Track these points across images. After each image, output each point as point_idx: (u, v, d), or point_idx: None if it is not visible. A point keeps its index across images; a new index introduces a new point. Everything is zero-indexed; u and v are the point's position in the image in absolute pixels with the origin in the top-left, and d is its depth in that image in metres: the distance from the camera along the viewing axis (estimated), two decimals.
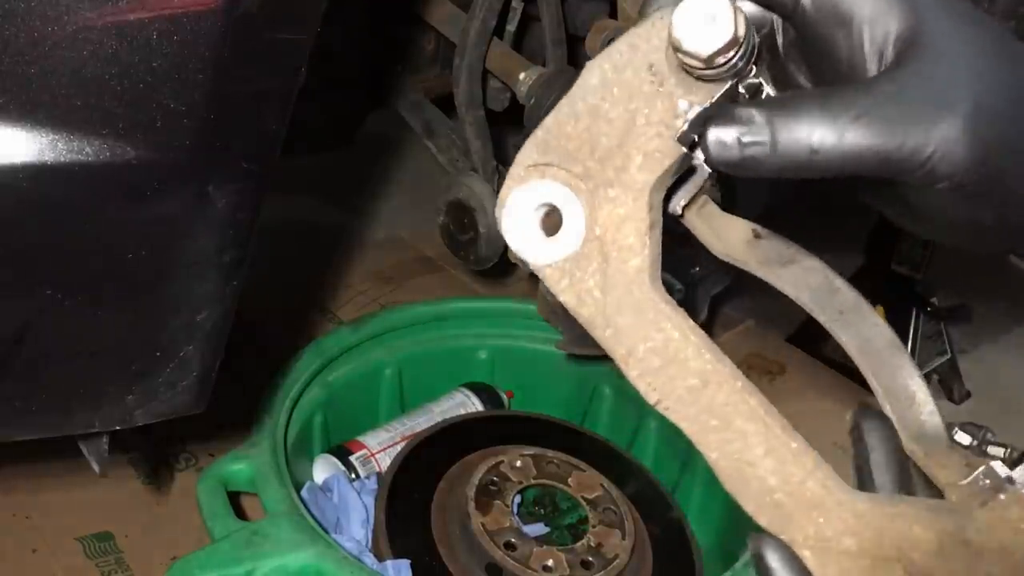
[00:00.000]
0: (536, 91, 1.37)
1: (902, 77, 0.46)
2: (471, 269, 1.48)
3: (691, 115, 0.49)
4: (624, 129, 0.49)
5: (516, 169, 0.51)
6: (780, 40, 0.53)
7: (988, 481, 0.51)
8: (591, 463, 1.19)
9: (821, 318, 0.58)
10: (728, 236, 0.60)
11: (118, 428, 0.82)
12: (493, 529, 1.06)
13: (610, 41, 1.14)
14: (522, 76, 1.38)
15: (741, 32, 0.46)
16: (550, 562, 1.04)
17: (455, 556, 1.06)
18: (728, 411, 0.49)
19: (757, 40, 0.48)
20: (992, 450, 1.62)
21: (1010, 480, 0.50)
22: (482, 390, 1.34)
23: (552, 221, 0.51)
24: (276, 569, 0.95)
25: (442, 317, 1.38)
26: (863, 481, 0.53)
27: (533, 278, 1.21)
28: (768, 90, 0.53)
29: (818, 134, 0.45)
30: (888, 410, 0.55)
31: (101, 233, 0.70)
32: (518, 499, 1.14)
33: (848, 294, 0.58)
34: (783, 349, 1.52)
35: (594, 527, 1.10)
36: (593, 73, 0.50)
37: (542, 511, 1.17)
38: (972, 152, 0.45)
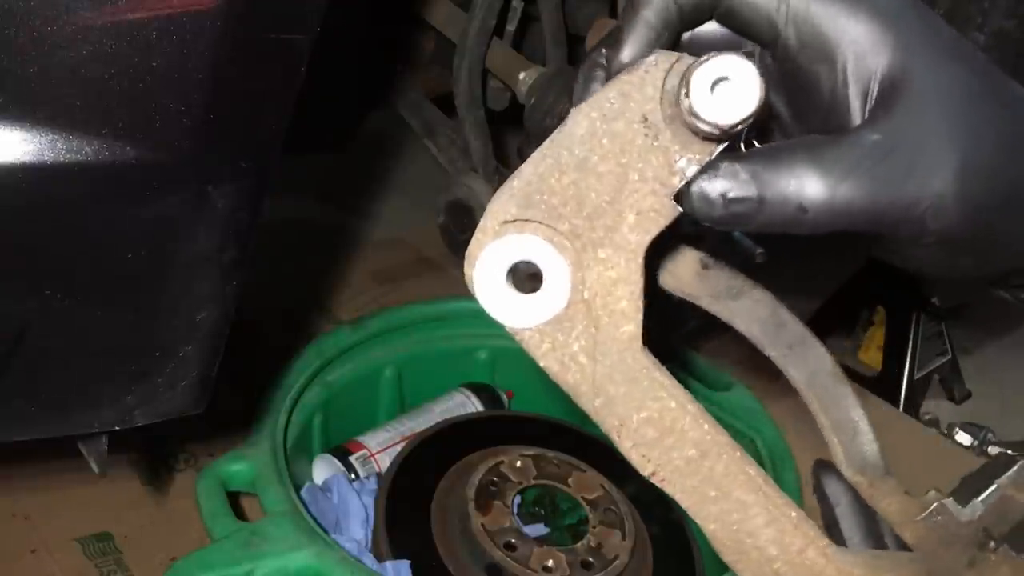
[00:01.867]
0: (536, 91, 1.37)
1: (890, 128, 0.44)
2: None
3: (690, 172, 0.45)
4: (615, 185, 0.45)
5: (490, 223, 0.46)
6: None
7: (940, 518, 0.51)
8: (591, 463, 1.19)
9: (772, 353, 0.57)
10: (677, 269, 0.58)
11: (117, 428, 0.82)
12: (493, 529, 1.06)
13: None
14: (522, 76, 1.38)
15: (763, 97, 0.42)
16: (550, 563, 1.04)
17: (455, 556, 1.06)
18: (728, 481, 0.48)
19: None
20: (992, 450, 1.62)
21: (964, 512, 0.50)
22: (482, 390, 1.34)
23: (529, 279, 0.47)
24: (276, 570, 0.95)
25: (442, 317, 1.37)
26: (835, 537, 0.53)
27: None
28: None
29: (808, 191, 0.43)
30: (835, 443, 0.55)
31: (100, 233, 0.70)
32: (518, 499, 1.14)
33: (795, 327, 0.57)
34: None
35: (594, 528, 1.10)
36: (580, 123, 0.45)
37: (542, 511, 1.17)
38: (963, 209, 0.44)
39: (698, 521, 0.49)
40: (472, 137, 1.42)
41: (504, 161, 1.51)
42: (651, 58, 0.45)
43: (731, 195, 0.44)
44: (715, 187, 0.44)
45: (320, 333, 1.32)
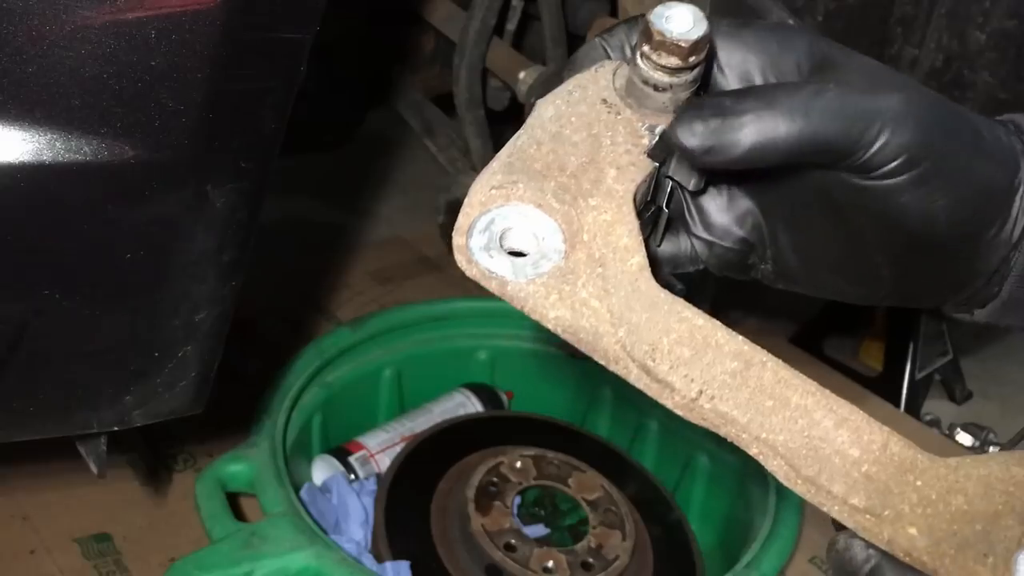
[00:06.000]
0: (536, 90, 1.37)
1: (836, 76, 0.49)
2: None
3: (658, 131, 0.49)
4: (591, 149, 0.49)
5: (477, 195, 0.47)
6: None
7: None
8: (591, 464, 1.19)
9: None
10: None
11: (116, 429, 0.82)
12: (493, 530, 1.06)
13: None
14: (522, 75, 1.37)
15: (708, 34, 0.47)
16: (550, 563, 1.04)
17: (455, 557, 1.05)
18: (781, 388, 0.45)
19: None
20: (993, 451, 1.63)
21: None
22: (482, 390, 1.34)
23: (519, 243, 0.48)
24: (275, 570, 0.95)
25: (442, 317, 1.37)
26: None
27: None
28: None
29: (785, 120, 0.47)
30: None
31: (99, 233, 0.70)
32: (518, 500, 1.14)
33: None
34: (785, 349, 1.51)
35: (594, 528, 1.10)
36: (547, 107, 0.50)
37: (542, 512, 1.16)
38: (917, 123, 0.48)
39: (764, 439, 0.45)
40: (472, 137, 1.42)
41: None
42: (597, 64, 0.51)
43: (714, 124, 0.47)
44: (702, 114, 0.48)
45: (320, 333, 1.32)
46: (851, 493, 0.45)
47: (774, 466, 0.45)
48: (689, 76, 0.48)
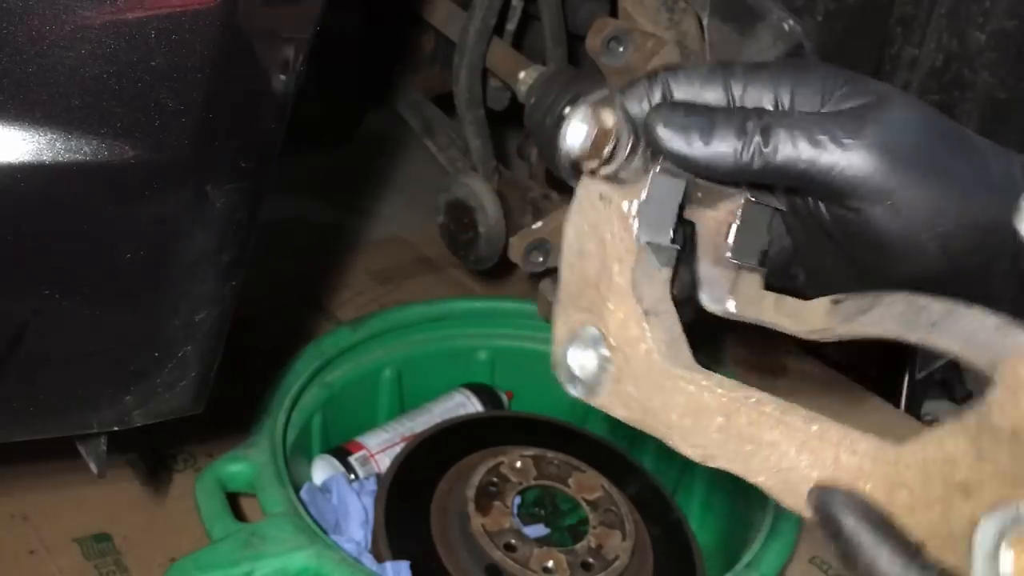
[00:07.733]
0: (536, 90, 1.37)
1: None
2: (471, 269, 1.47)
3: (634, 210, 0.54)
4: (601, 253, 0.55)
5: (558, 334, 0.57)
6: None
7: None
8: (591, 464, 1.19)
9: (912, 338, 0.55)
10: (806, 316, 0.61)
11: (116, 429, 0.82)
12: (493, 530, 1.05)
13: (611, 40, 1.16)
14: (522, 75, 1.37)
15: (608, 124, 0.51)
16: (550, 563, 1.03)
17: (455, 557, 1.05)
18: (753, 430, 0.49)
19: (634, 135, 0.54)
20: None
21: None
22: (482, 390, 1.34)
23: (591, 362, 0.56)
24: (275, 570, 0.95)
25: (442, 317, 1.37)
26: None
27: (533, 278, 1.21)
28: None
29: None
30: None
31: (99, 233, 0.70)
32: (518, 500, 1.13)
33: (938, 307, 0.55)
34: (785, 349, 1.52)
35: (594, 528, 1.10)
36: (569, 228, 0.57)
37: (542, 512, 1.16)
38: (878, 157, 0.50)
39: (752, 481, 0.49)
40: (472, 136, 1.42)
41: (504, 161, 1.51)
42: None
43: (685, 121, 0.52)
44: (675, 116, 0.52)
45: (320, 333, 1.32)
46: None
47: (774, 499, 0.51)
48: (622, 155, 0.52)
